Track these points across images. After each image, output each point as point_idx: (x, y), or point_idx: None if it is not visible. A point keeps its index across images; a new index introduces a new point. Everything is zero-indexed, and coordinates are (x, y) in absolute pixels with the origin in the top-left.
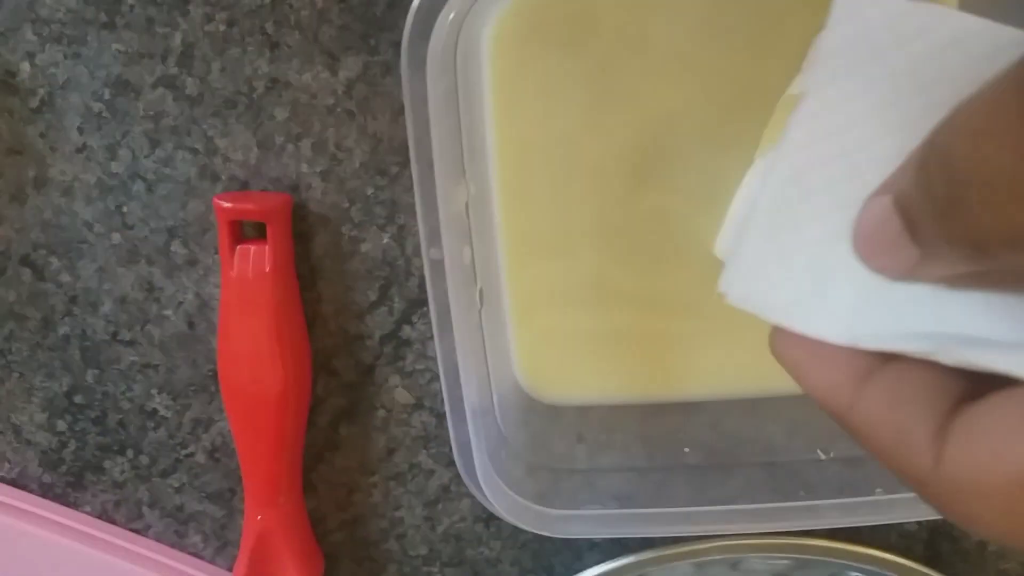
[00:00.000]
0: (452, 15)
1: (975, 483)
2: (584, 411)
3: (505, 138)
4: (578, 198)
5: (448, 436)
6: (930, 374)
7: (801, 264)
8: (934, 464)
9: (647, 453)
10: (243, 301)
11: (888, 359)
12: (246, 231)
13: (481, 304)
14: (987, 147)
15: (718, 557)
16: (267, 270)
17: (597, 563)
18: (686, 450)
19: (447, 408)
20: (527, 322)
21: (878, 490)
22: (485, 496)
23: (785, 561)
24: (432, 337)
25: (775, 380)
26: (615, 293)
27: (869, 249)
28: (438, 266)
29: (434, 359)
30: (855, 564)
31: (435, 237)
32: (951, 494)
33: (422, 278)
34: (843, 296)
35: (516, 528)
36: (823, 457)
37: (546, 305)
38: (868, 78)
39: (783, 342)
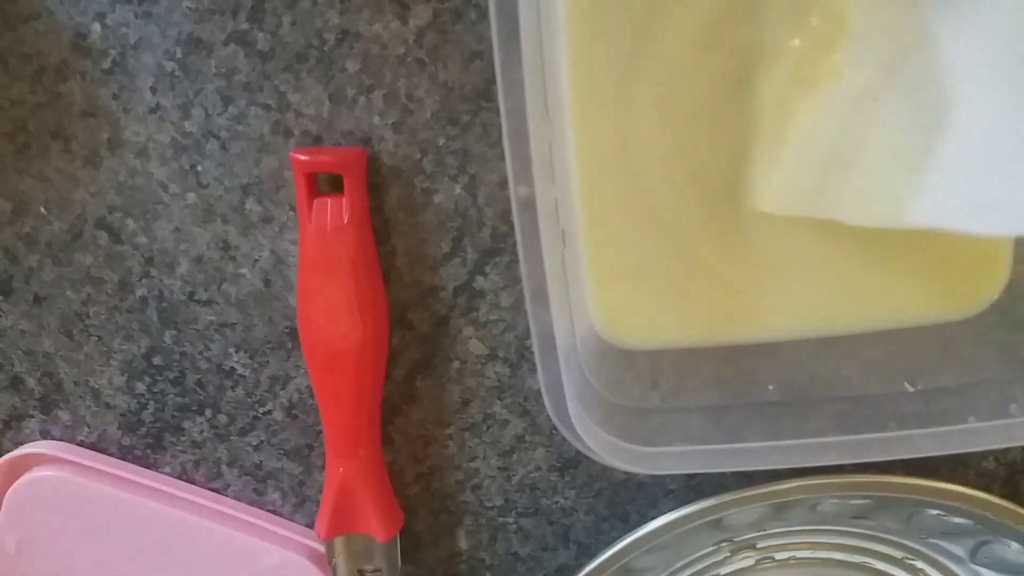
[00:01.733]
0: None
1: None
2: (658, 355)
3: (580, 77)
4: (652, 140)
5: (521, 386)
6: None
7: None
8: None
9: (721, 396)
10: (321, 254)
11: None
12: (322, 185)
13: (564, 245)
14: None
15: (796, 498)
16: (345, 222)
17: (671, 509)
18: (770, 387)
19: (536, 349)
20: (601, 265)
21: (971, 418)
22: (580, 438)
23: (864, 501)
24: (505, 287)
25: (847, 318)
26: (687, 236)
27: None
28: (529, 203)
29: (507, 309)
30: (935, 500)
31: (524, 175)
32: None
33: (495, 228)
34: None
35: (591, 476)
36: (911, 389)
37: (619, 249)
38: None
39: None
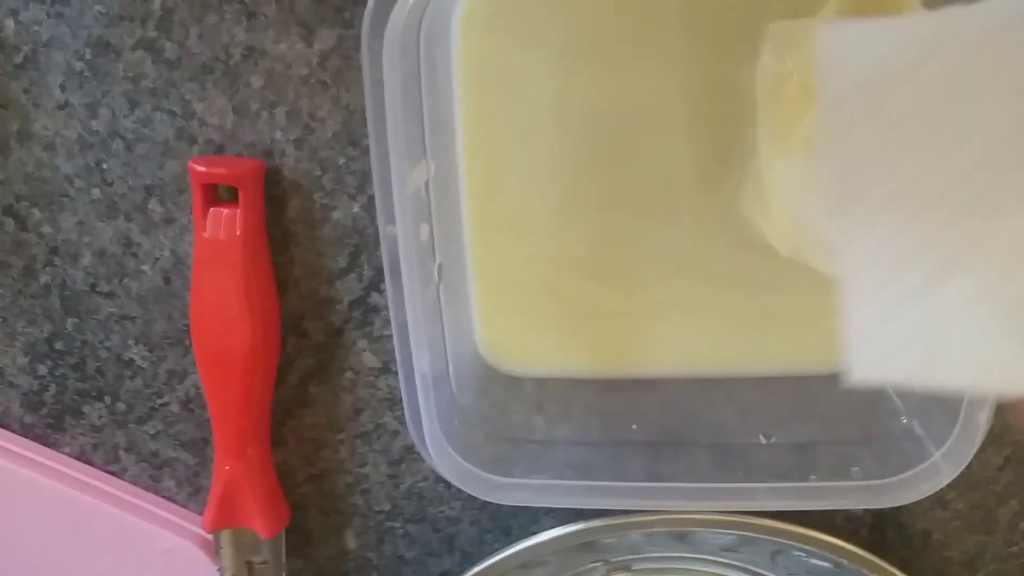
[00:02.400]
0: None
1: None
2: (543, 383)
3: (472, 117)
4: (542, 176)
5: None
6: None
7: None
8: None
9: (602, 427)
10: (215, 262)
11: None
12: (220, 194)
13: (440, 279)
14: None
15: (665, 529)
16: (238, 233)
17: (552, 527)
18: (634, 427)
19: (400, 377)
20: (490, 295)
21: (812, 476)
22: (432, 459)
23: (730, 536)
24: None
25: (727, 361)
26: (576, 269)
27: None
28: (394, 242)
29: None
30: (796, 544)
31: (390, 215)
32: None
33: None
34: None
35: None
36: (764, 441)
37: (508, 279)
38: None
39: None
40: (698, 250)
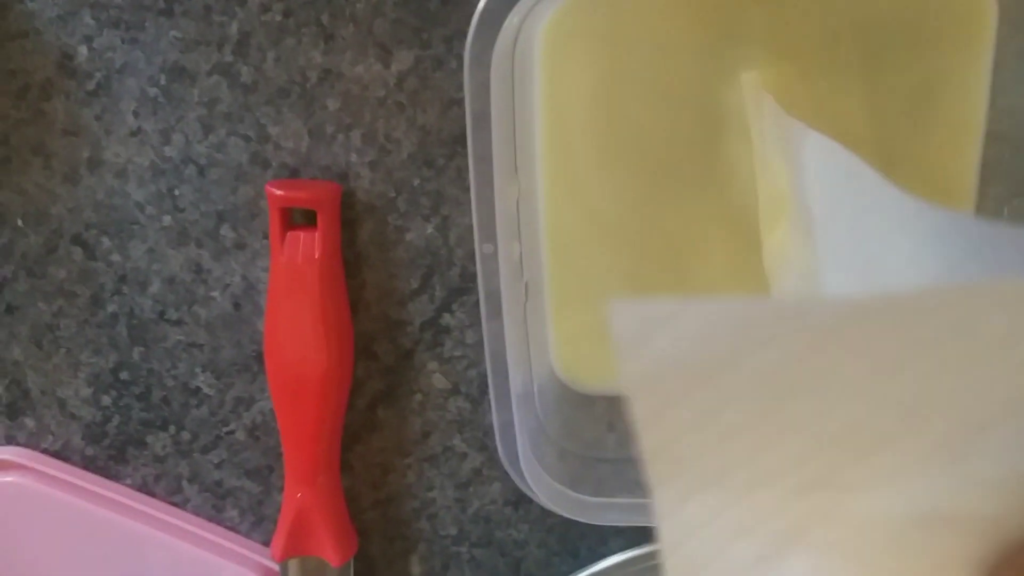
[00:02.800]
0: (516, 16)
1: None
2: (616, 401)
3: (552, 136)
4: (620, 196)
5: (481, 421)
6: None
7: None
8: None
9: None
10: (291, 286)
11: None
12: (295, 217)
13: (527, 297)
14: None
15: None
16: (316, 256)
17: (621, 549)
18: None
19: (492, 395)
20: (566, 313)
21: None
22: (525, 481)
23: None
24: (471, 325)
25: None
26: (651, 286)
27: None
28: (490, 260)
29: (472, 346)
30: None
31: (488, 233)
32: None
33: (463, 268)
34: None
35: (544, 512)
36: None
37: (584, 298)
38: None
39: None
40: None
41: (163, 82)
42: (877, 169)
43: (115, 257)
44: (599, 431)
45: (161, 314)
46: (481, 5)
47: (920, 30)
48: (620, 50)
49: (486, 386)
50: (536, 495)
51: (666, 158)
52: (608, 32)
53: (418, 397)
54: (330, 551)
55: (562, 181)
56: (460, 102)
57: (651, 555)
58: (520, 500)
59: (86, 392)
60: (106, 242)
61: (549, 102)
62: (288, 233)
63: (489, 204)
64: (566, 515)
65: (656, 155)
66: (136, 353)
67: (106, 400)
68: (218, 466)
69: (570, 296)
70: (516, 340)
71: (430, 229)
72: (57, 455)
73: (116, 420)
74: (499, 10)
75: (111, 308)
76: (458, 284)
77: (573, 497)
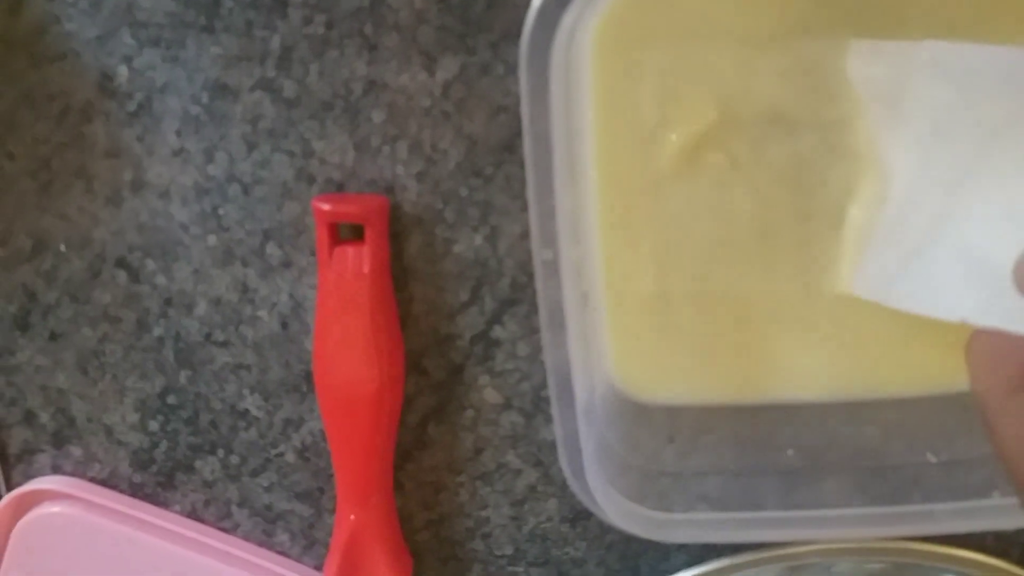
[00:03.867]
0: (569, 16)
1: None
2: (675, 411)
3: (605, 139)
4: (676, 199)
5: (535, 436)
6: None
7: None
8: None
9: (736, 456)
10: (340, 302)
11: None
12: (343, 232)
13: (586, 304)
14: None
15: (812, 561)
16: (365, 271)
17: (685, 565)
18: (789, 451)
19: (555, 409)
20: (622, 321)
21: (995, 493)
22: (592, 498)
23: (879, 565)
24: (522, 337)
25: (871, 383)
26: (710, 296)
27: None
28: (550, 267)
29: (524, 359)
30: (954, 568)
31: (548, 238)
32: None
33: (514, 279)
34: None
35: (602, 528)
36: (934, 460)
37: (641, 305)
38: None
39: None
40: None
41: (205, 100)
42: None
43: (160, 280)
44: (658, 443)
45: (208, 336)
46: (536, 5)
47: None
48: (676, 48)
49: (539, 400)
50: (604, 512)
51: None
52: (664, 30)
53: (470, 413)
54: (385, 573)
55: (616, 186)
56: (507, 109)
57: (716, 573)
58: (577, 517)
59: (133, 418)
60: (150, 264)
61: (602, 101)
62: (336, 249)
63: (548, 209)
64: (636, 533)
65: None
66: (183, 376)
67: (153, 425)
68: (268, 489)
69: (627, 302)
70: (578, 350)
71: (479, 240)
72: (104, 483)
73: (164, 446)
74: (553, 11)
75: (157, 331)
76: (508, 295)
77: (642, 514)
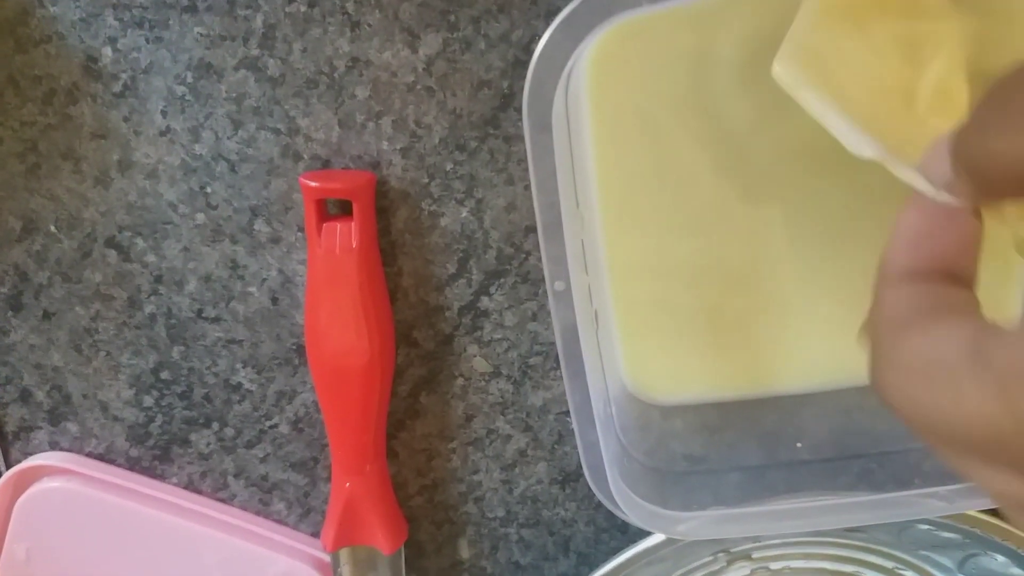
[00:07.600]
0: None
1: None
2: (687, 411)
3: (606, 166)
4: (676, 217)
5: (524, 403)
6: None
7: None
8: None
9: (749, 451)
10: (330, 277)
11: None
12: (330, 208)
13: (597, 325)
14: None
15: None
16: (353, 246)
17: None
18: (798, 444)
19: (575, 423)
20: (631, 329)
21: None
22: (618, 506)
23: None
24: (509, 307)
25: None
26: (714, 292)
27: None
28: (563, 296)
29: (511, 328)
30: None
31: (559, 271)
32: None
33: (500, 250)
34: None
35: (591, 489)
36: None
37: (648, 310)
38: None
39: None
40: (844, 266)
41: (190, 80)
42: None
43: (150, 258)
44: (674, 444)
45: (199, 312)
46: (543, 41)
47: None
48: (665, 74)
49: (527, 367)
50: (628, 516)
51: (722, 176)
52: (653, 56)
53: (460, 381)
54: (381, 539)
55: (618, 209)
56: (490, 84)
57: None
58: (566, 479)
59: (128, 394)
60: (140, 243)
61: (600, 132)
62: (324, 225)
63: (558, 242)
64: (659, 532)
65: (712, 174)
66: (176, 352)
67: (148, 401)
68: (263, 460)
69: (635, 310)
70: (593, 370)
71: (465, 213)
72: (102, 458)
73: (159, 420)
74: (559, 55)
75: (149, 309)
76: (495, 267)
77: (664, 514)
